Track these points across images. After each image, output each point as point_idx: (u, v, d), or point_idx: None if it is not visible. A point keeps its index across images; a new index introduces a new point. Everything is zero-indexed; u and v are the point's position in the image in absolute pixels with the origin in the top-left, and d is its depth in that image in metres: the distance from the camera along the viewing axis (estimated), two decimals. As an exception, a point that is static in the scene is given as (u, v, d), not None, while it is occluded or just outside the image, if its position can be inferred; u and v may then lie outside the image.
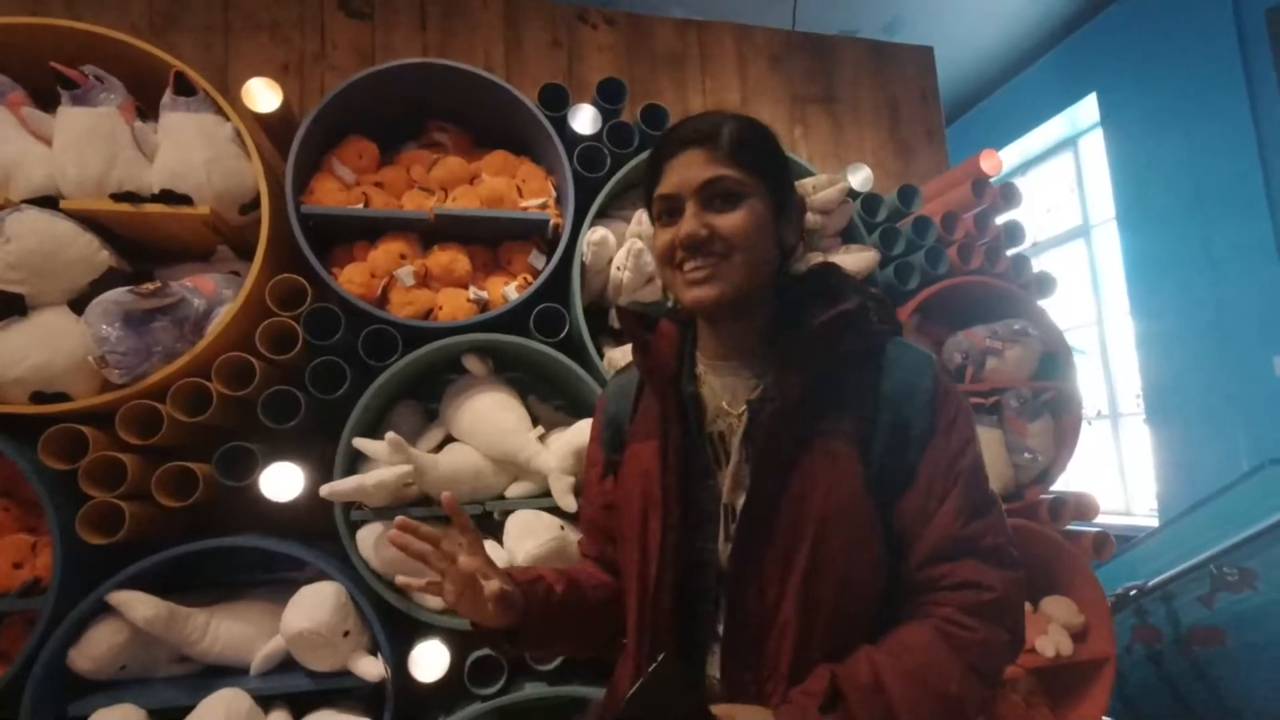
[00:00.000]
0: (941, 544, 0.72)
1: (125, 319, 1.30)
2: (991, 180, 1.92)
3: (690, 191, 0.74)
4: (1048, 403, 1.87)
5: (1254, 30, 3.07)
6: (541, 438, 1.53)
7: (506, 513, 1.49)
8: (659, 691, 0.64)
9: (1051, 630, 1.78)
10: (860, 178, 1.82)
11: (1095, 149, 4.07)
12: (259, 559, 1.56)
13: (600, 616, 0.87)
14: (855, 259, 1.72)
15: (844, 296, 0.76)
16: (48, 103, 1.40)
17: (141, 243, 1.50)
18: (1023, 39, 4.02)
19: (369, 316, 1.47)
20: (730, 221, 0.73)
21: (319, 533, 1.49)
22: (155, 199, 1.37)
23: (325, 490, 1.32)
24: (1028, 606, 1.85)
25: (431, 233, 1.60)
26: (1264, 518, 2.63)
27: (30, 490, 1.37)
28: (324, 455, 1.46)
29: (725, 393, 0.80)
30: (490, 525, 1.52)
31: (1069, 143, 4.38)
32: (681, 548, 0.76)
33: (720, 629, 0.74)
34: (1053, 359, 1.93)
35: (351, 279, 1.49)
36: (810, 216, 1.70)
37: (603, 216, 1.66)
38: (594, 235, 1.56)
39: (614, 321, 1.65)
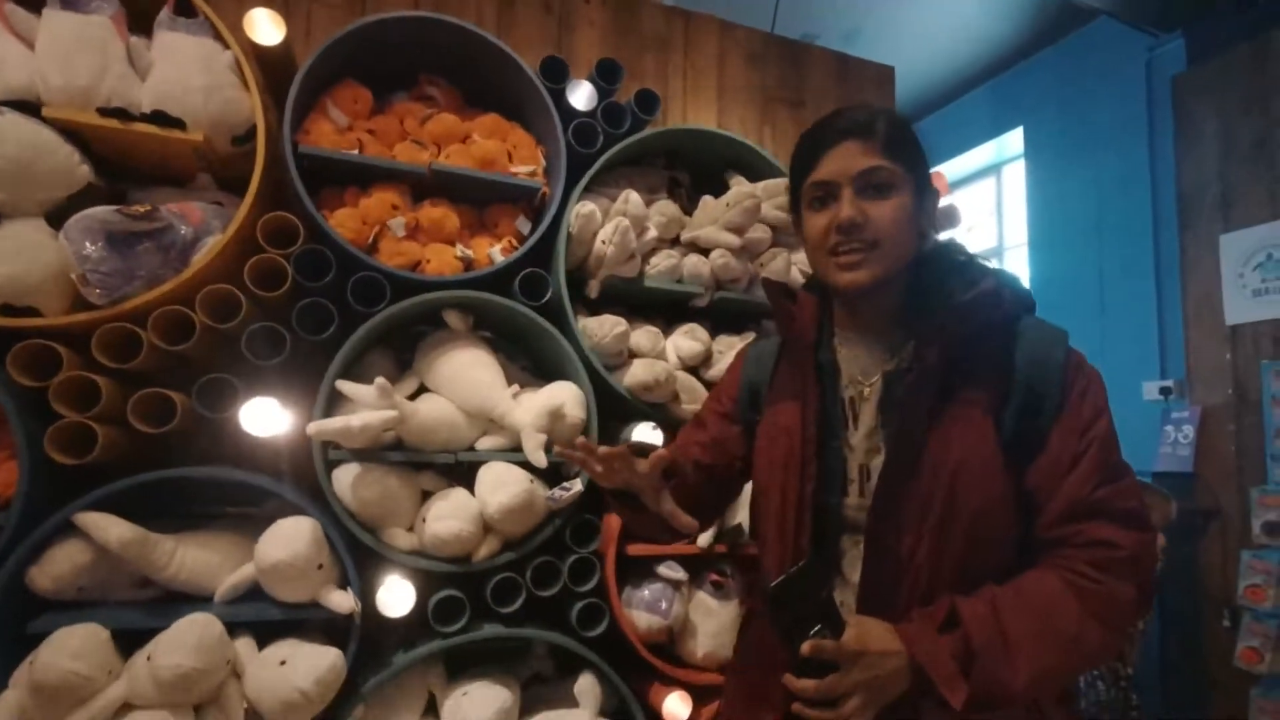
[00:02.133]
0: (1072, 506, 0.77)
1: (109, 239, 1.27)
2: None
3: (847, 179, 0.82)
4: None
5: (1160, 90, 3.45)
6: (515, 395, 1.60)
7: (477, 464, 1.56)
8: (801, 584, 0.77)
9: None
10: (826, 183, 1.96)
11: (1016, 177, 4.44)
12: (216, 493, 1.56)
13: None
14: (816, 257, 1.87)
15: (979, 276, 0.84)
16: (29, 2, 1.33)
17: (117, 161, 1.45)
18: (962, 68, 4.31)
19: (359, 263, 1.49)
20: (882, 211, 0.81)
21: (289, 471, 1.51)
22: (146, 118, 1.34)
23: (312, 429, 1.35)
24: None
25: (423, 187, 1.63)
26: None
27: (-15, 405, 1.33)
28: (301, 396, 1.48)
29: (858, 362, 0.89)
30: (458, 473, 1.59)
31: (993, 169, 4.75)
32: (816, 498, 0.86)
33: (857, 575, 0.83)
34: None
35: (343, 224, 1.51)
36: (778, 214, 1.83)
37: (588, 191, 1.73)
38: (584, 208, 1.63)
39: (590, 292, 1.74)
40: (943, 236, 1.87)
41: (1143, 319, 3.49)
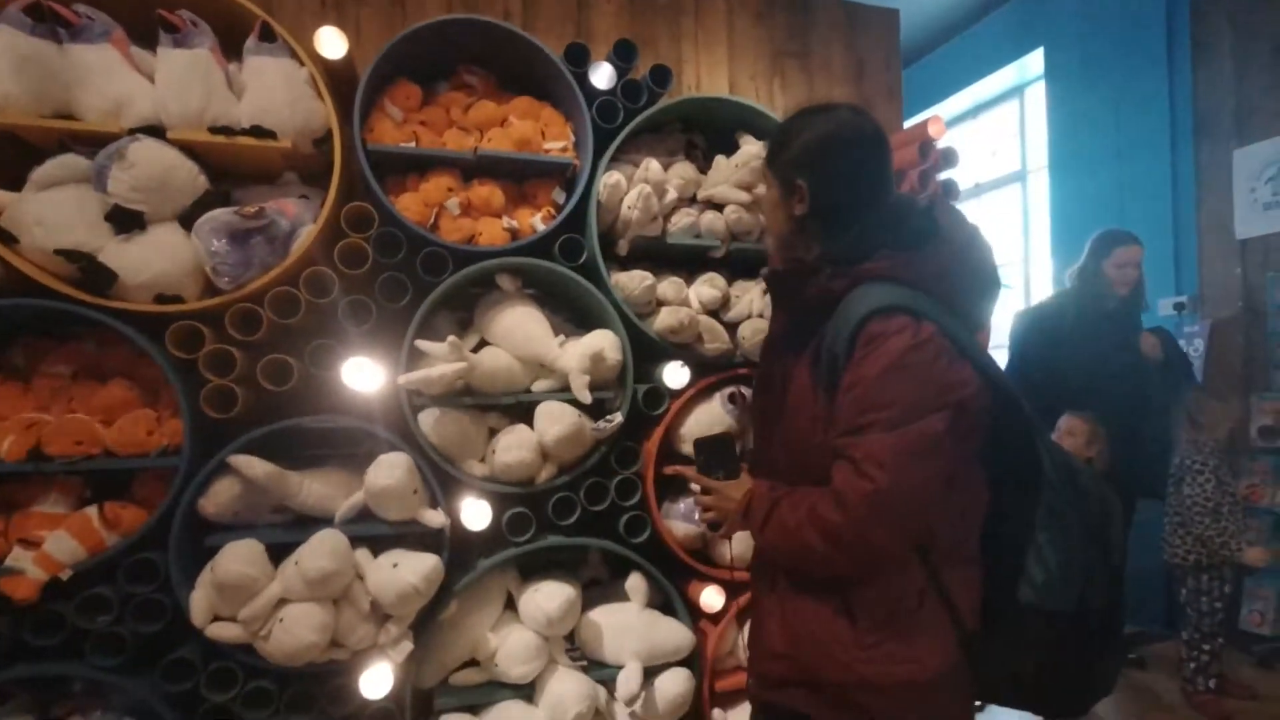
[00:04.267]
0: (834, 445, 0.99)
1: (230, 235, 1.57)
2: (936, 143, 2.28)
3: None
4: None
5: (1178, 8, 3.44)
6: (561, 344, 1.89)
7: (534, 403, 1.87)
8: (716, 443, 1.23)
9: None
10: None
11: (1038, 100, 4.45)
12: (324, 438, 1.90)
13: None
14: (820, 207, 2.08)
15: (794, 259, 1.12)
16: (137, 39, 1.60)
17: (219, 166, 1.74)
18: (981, -10, 4.29)
19: (424, 240, 1.77)
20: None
21: (381, 417, 1.84)
22: (246, 132, 1.62)
23: (401, 380, 1.66)
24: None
25: (471, 168, 1.89)
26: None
27: (143, 374, 1.67)
28: (385, 355, 1.79)
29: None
30: (518, 411, 1.90)
31: (1016, 91, 4.74)
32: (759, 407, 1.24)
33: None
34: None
35: (408, 207, 1.78)
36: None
37: (613, 161, 1.96)
38: (610, 178, 1.87)
39: (620, 250, 1.99)
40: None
41: (1160, 237, 3.57)
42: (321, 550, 1.57)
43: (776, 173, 1.12)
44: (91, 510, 1.56)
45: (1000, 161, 4.88)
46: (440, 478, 1.79)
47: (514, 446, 1.78)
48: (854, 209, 1.06)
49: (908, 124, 2.67)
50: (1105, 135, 3.86)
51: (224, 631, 1.55)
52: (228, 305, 1.61)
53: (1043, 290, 4.44)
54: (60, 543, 1.50)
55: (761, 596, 1.17)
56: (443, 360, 1.70)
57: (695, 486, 1.23)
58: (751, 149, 2.01)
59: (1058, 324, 2.60)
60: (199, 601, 1.55)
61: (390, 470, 1.66)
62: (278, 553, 1.64)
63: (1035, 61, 4.35)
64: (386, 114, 1.83)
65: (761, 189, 1.99)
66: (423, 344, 1.72)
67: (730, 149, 2.11)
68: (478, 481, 1.81)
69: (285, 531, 1.69)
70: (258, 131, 1.62)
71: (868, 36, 2.70)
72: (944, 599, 1.01)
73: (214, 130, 1.59)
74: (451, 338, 1.68)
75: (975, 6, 4.44)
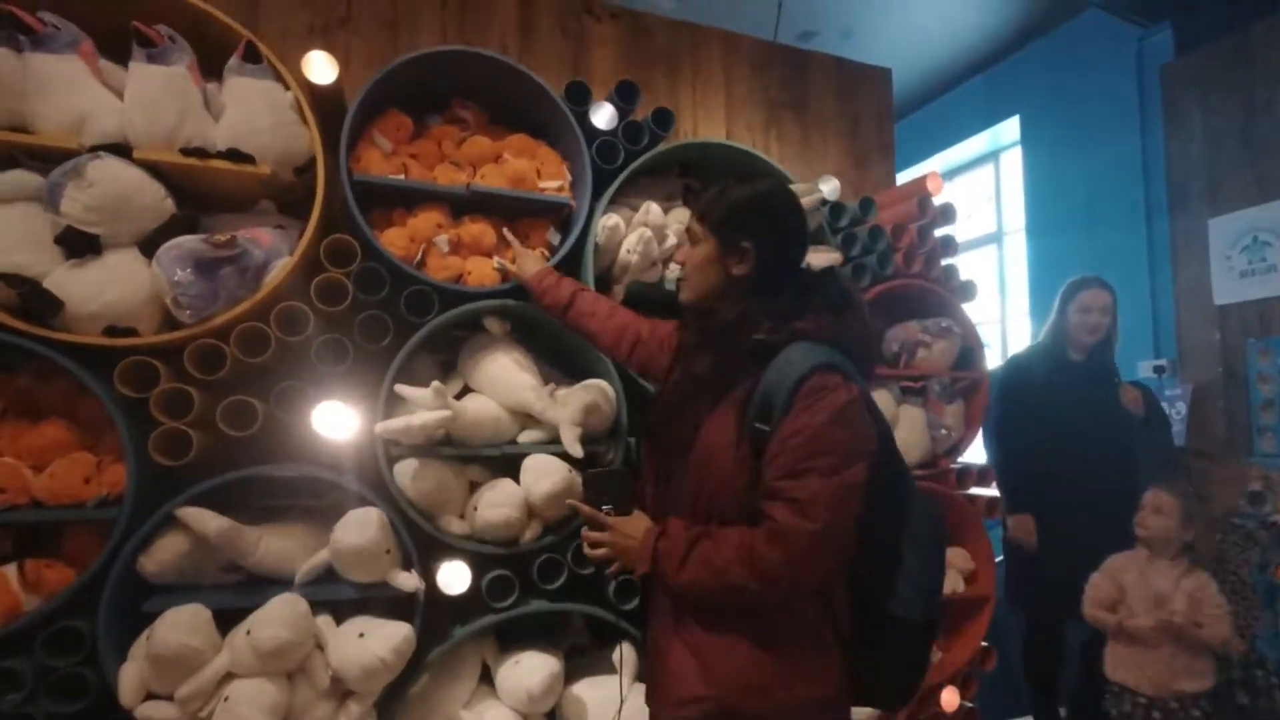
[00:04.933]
0: (767, 487, 1.05)
1: (196, 264, 1.43)
2: (934, 199, 2.27)
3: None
4: (961, 389, 2.26)
5: (1150, 79, 3.57)
6: (552, 393, 1.77)
7: (519, 455, 1.73)
8: (606, 477, 1.25)
9: (950, 573, 2.19)
10: (830, 188, 2.12)
11: (1013, 164, 4.57)
12: (286, 488, 1.73)
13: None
14: (821, 258, 2.02)
15: (732, 310, 1.15)
16: (107, 51, 1.49)
17: (189, 191, 1.61)
18: (958, 58, 4.43)
19: (409, 277, 1.65)
20: (691, 255, 1.23)
21: (353, 467, 1.68)
22: (222, 155, 1.50)
23: (379, 429, 1.52)
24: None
25: (462, 204, 1.79)
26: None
27: (85, 413, 1.50)
28: (359, 399, 1.64)
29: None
30: (501, 464, 1.76)
31: (991, 156, 4.87)
32: (655, 441, 1.28)
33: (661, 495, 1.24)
34: (969, 352, 2.32)
35: (393, 242, 1.67)
36: (787, 218, 1.98)
37: (610, 204, 1.88)
38: (609, 221, 1.79)
39: (615, 295, 1.89)
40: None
41: (1137, 301, 3.62)
42: (278, 617, 1.40)
43: (716, 231, 1.18)
44: (9, 569, 1.36)
45: (976, 223, 4.98)
46: (416, 535, 1.63)
47: (498, 503, 1.64)
48: (790, 272, 1.19)
49: (900, 180, 2.67)
50: (1081, 201, 3.96)
51: (157, 712, 1.35)
52: (188, 340, 1.46)
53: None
54: (-31, 607, 1.30)
55: (663, 640, 1.18)
56: (425, 407, 1.57)
57: (587, 525, 1.24)
58: (753, 196, 1.95)
59: (1027, 379, 2.54)
60: (129, 677, 1.35)
61: (362, 528, 1.50)
62: (227, 619, 1.45)
63: (1011, 128, 4.48)
64: (375, 144, 1.73)
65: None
66: (404, 389, 1.58)
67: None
68: (457, 540, 1.66)
69: (236, 594, 1.50)
70: (235, 155, 1.50)
71: (862, 93, 2.72)
72: (832, 619, 1.12)
73: (186, 152, 1.47)
74: (436, 383, 1.55)
75: (953, 72, 4.58)
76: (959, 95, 4.70)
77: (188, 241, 1.43)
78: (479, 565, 1.67)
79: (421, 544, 1.64)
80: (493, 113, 1.95)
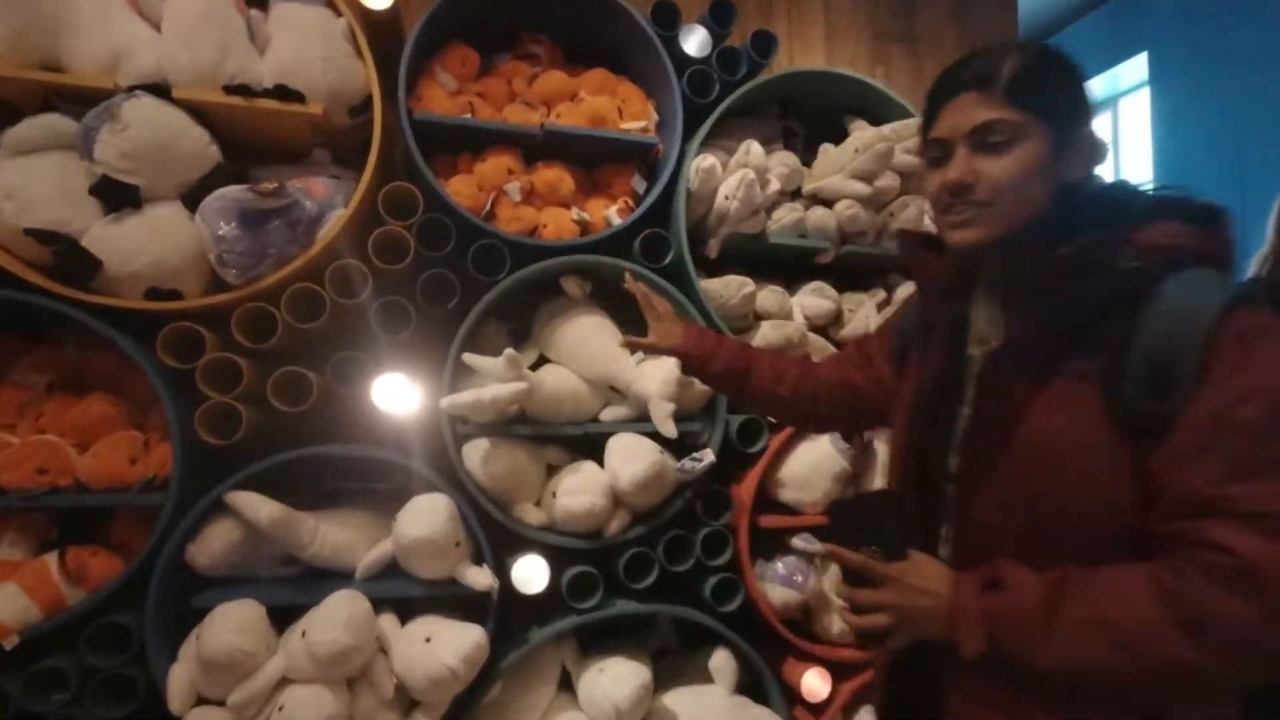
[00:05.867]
0: (1189, 499, 0.64)
1: (242, 217, 1.26)
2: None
3: (960, 137, 0.73)
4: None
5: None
6: (639, 363, 1.54)
7: (603, 436, 1.51)
8: (863, 510, 0.83)
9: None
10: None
11: (1135, 111, 4.04)
12: (344, 470, 1.57)
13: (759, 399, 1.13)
14: (951, 204, 1.72)
15: (1089, 231, 0.72)
16: (145, -18, 1.32)
17: (235, 139, 1.44)
18: (1077, -9, 3.93)
19: (477, 230, 1.44)
20: (997, 168, 0.72)
21: (419, 447, 1.50)
22: (268, 94, 1.31)
23: (445, 403, 1.32)
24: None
25: (535, 149, 1.56)
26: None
27: (132, 388, 1.37)
28: (424, 371, 1.45)
29: (991, 321, 0.82)
30: (583, 445, 1.54)
31: (1109, 102, 4.33)
32: (922, 454, 0.83)
33: (948, 531, 0.81)
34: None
35: (459, 191, 1.46)
36: (909, 159, 1.68)
37: (703, 146, 1.63)
38: (704, 162, 1.53)
39: (709, 251, 1.64)
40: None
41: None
42: (336, 618, 1.22)
43: (1049, 116, 0.73)
44: (50, 558, 1.23)
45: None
46: (488, 526, 1.43)
47: (580, 489, 1.43)
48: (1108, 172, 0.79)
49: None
50: (1224, 154, 3.43)
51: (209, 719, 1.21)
52: (235, 304, 1.30)
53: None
54: (9, 599, 1.18)
55: None
56: (496, 379, 1.36)
57: (846, 577, 0.82)
58: (872, 132, 1.65)
59: None
60: (179, 680, 1.21)
61: (428, 517, 1.31)
62: (282, 616, 1.30)
63: (1133, 69, 3.95)
64: (437, 81, 1.52)
65: (887, 180, 1.64)
66: (472, 359, 1.38)
67: (833, 139, 1.76)
68: (534, 531, 1.46)
69: (293, 589, 1.34)
70: (282, 93, 1.32)
71: (982, 20, 2.35)
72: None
73: (229, 90, 1.29)
74: (509, 351, 1.34)
75: (1070, 5, 4.08)
76: (1076, 31, 4.18)
77: (233, 191, 1.26)
78: (558, 560, 1.46)
79: (494, 535, 1.45)
80: (567, 48, 1.72)
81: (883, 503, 0.86)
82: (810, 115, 1.87)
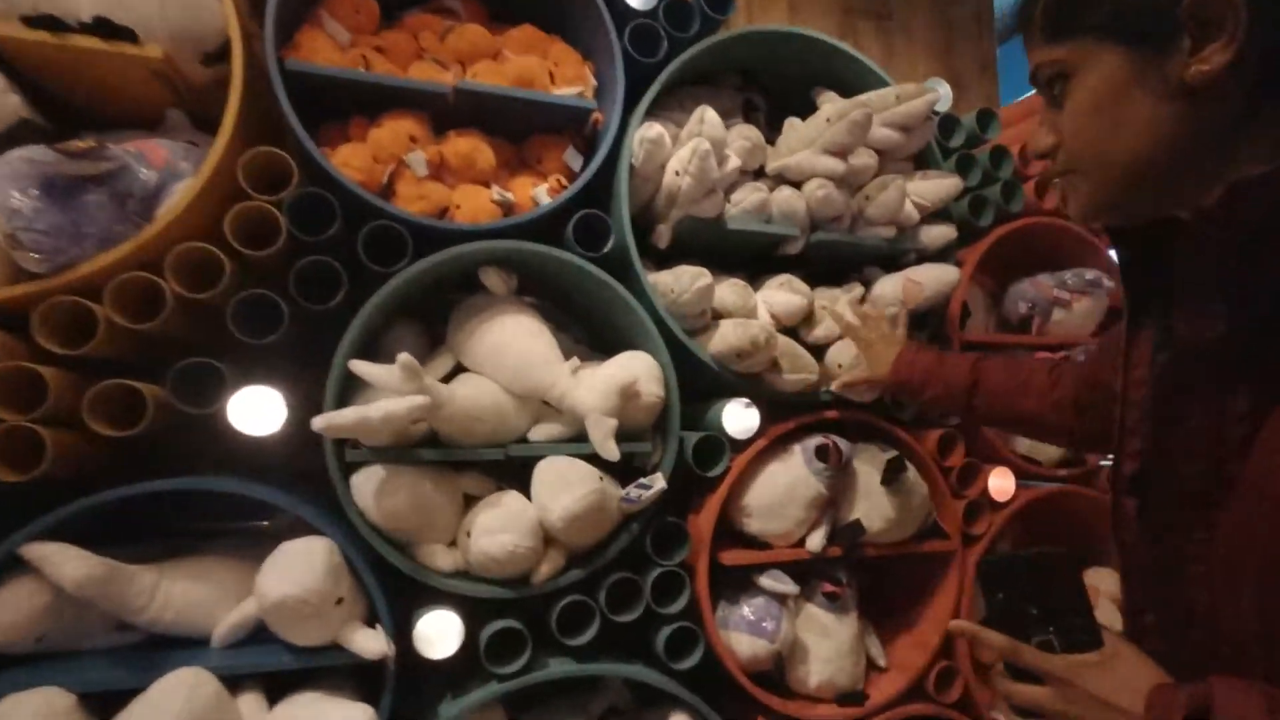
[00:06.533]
0: None
1: (46, 186, 0.97)
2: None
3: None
4: (1116, 361, 1.72)
5: None
6: (575, 372, 1.28)
7: (532, 459, 1.24)
8: (1039, 570, 0.64)
9: (1103, 604, 1.66)
10: (942, 92, 1.59)
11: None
12: (218, 506, 1.27)
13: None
14: (935, 186, 1.50)
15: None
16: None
17: (68, 96, 1.15)
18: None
19: (371, 210, 1.17)
20: (1064, 123, 0.59)
21: (297, 476, 1.22)
22: (86, 29, 1.03)
23: (321, 422, 1.04)
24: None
25: (446, 115, 1.30)
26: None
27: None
28: (305, 382, 1.17)
29: (1183, 319, 0.60)
30: (508, 471, 1.27)
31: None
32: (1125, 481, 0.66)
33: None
34: (1115, 316, 1.77)
35: (348, 162, 1.19)
36: (887, 134, 1.46)
37: (650, 115, 1.38)
38: (649, 132, 1.29)
39: (658, 240, 1.40)
40: (911, 185, 1.56)
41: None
42: (167, 708, 0.93)
43: (1106, 30, 0.54)
44: None
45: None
46: (385, 574, 1.15)
47: (501, 527, 1.16)
48: None
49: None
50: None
51: None
52: (39, 297, 1.00)
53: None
54: None
55: None
56: (392, 391, 1.09)
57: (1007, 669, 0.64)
58: (842, 103, 1.43)
59: None
60: (-56, 804, 0.90)
61: (299, 569, 1.03)
62: (113, 702, 0.99)
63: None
64: (324, 30, 1.24)
65: (862, 158, 1.41)
66: (362, 367, 1.10)
67: (803, 115, 1.53)
68: (444, 580, 1.18)
69: (125, 667, 1.04)
70: (105, 28, 1.03)
71: (957, 2, 2.17)
72: None
73: (31, 21, 1.00)
74: (404, 357, 1.06)
75: None
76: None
77: (30, 152, 0.96)
78: (475, 614, 1.19)
79: (393, 586, 1.17)
80: (491, 6, 1.46)
81: (1058, 563, 0.65)
82: (774, 89, 1.65)
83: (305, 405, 1.12)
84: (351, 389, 1.20)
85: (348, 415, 1.04)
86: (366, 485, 1.13)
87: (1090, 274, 1.68)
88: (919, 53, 2.11)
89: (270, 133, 1.18)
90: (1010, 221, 1.64)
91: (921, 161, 1.58)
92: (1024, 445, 1.64)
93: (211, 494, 1.10)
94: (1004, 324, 1.81)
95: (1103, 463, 1.71)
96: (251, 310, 1.09)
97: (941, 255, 1.56)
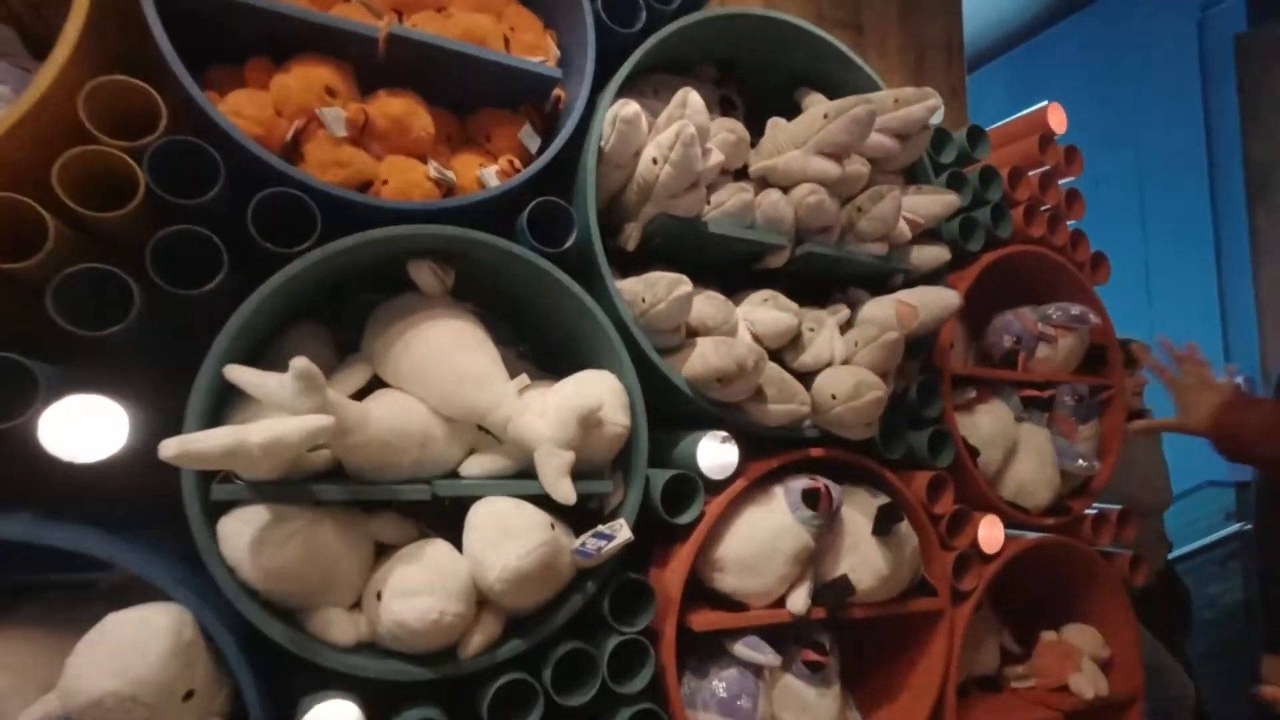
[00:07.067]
0: None
1: None
2: (1056, 138, 1.65)
3: None
4: (1101, 404, 1.62)
5: (1218, 53, 3.09)
6: (521, 391, 1.04)
7: (466, 499, 0.99)
8: None
9: (1085, 666, 1.53)
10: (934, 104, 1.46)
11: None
12: (40, 555, 0.95)
13: None
14: (931, 201, 1.36)
15: None
16: None
17: None
18: (979, 36, 3.90)
19: (269, 173, 0.91)
20: None
21: (144, 519, 0.92)
22: None
23: (173, 448, 0.75)
24: (1052, 635, 1.60)
25: (376, 71, 1.05)
26: (1196, 539, 2.62)
27: None
28: (174, 395, 0.88)
29: None
30: (432, 514, 1.01)
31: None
32: None
33: None
34: (1098, 354, 1.68)
35: (240, 110, 0.92)
36: (883, 140, 1.31)
37: (623, 95, 1.18)
38: (625, 110, 1.08)
39: (626, 242, 1.19)
40: (907, 198, 1.43)
41: (1202, 307, 3.11)
42: None
43: None
44: None
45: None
46: (262, 651, 0.87)
47: (422, 586, 0.89)
48: None
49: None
50: (1126, 198, 3.45)
51: None
52: None
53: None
54: None
55: None
56: (283, 408, 0.82)
57: None
58: (842, 100, 1.27)
59: None
60: None
61: (125, 653, 0.73)
62: None
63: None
64: (221, -52, 0.98)
65: (854, 165, 1.25)
66: (240, 373, 0.83)
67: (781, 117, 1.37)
68: (343, 658, 0.90)
69: None
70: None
71: (929, 21, 2.10)
72: None
73: None
74: (301, 361, 0.80)
75: (972, 53, 4.07)
76: (979, 79, 4.19)
77: None
78: (384, 700, 0.92)
79: (274, 665, 0.88)
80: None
81: None
82: (753, 88, 1.49)
83: (172, 425, 0.84)
84: (230, 405, 0.92)
85: (216, 438, 0.77)
86: (240, 533, 0.85)
87: (1075, 309, 1.59)
88: (892, 68, 2.03)
89: (137, 60, 0.90)
90: (999, 247, 1.52)
91: (912, 176, 1.44)
92: (1010, 491, 1.51)
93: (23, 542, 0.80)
94: (983, 358, 1.69)
95: (1087, 511, 1.60)
96: (91, 292, 0.81)
97: (930, 279, 1.42)
